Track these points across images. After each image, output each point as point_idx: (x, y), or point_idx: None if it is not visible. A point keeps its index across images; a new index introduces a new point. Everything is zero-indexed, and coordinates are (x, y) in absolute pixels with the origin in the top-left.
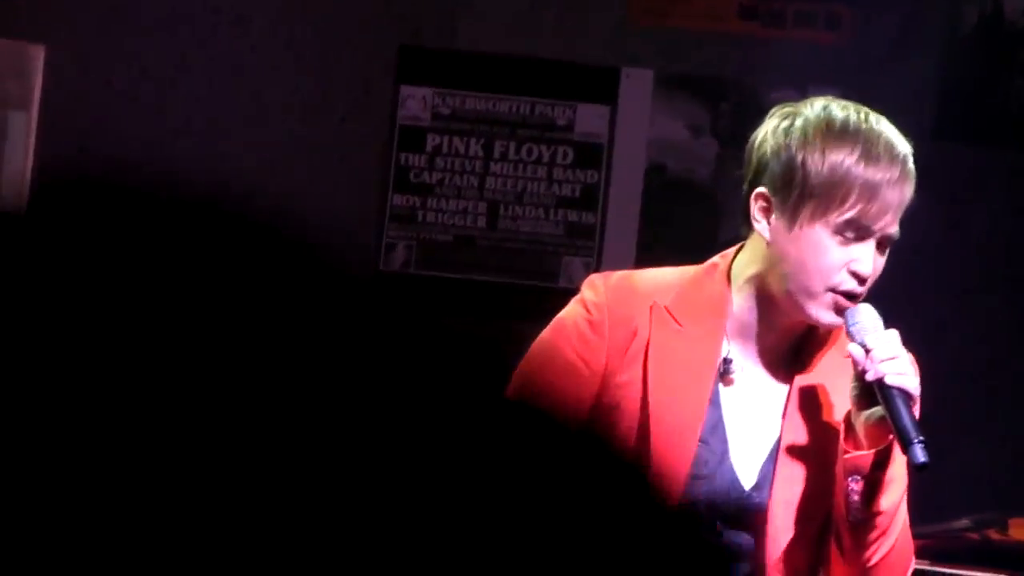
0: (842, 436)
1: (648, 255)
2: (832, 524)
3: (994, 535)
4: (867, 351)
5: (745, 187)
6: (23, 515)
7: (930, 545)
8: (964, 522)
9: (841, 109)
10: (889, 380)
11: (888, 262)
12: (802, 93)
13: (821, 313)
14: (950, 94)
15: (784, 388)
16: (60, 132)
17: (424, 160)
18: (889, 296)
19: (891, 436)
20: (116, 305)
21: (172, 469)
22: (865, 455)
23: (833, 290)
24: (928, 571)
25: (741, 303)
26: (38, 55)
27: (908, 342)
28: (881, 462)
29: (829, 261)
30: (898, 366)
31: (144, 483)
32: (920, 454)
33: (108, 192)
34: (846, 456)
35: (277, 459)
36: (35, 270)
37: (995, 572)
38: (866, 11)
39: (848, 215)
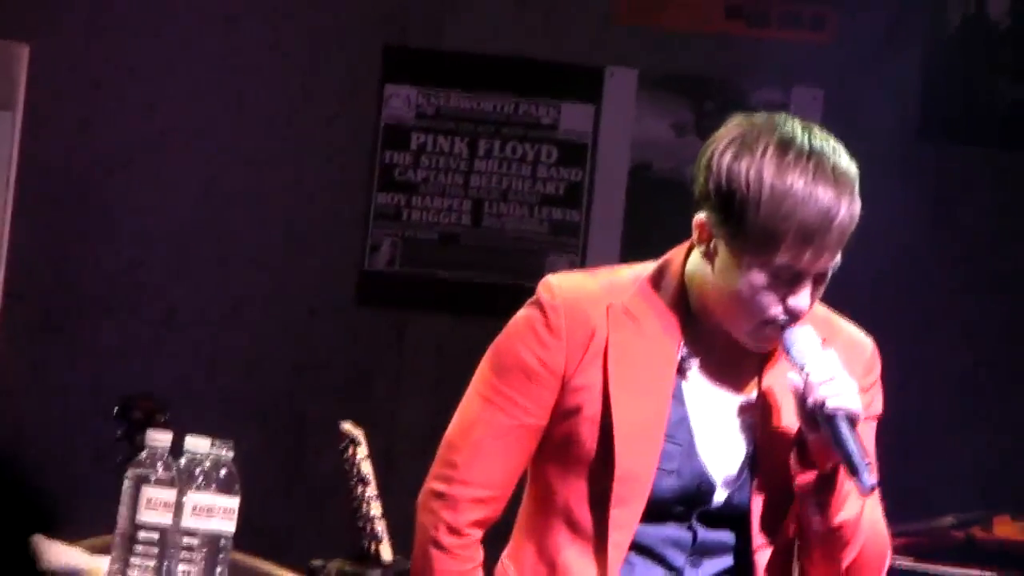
0: (793, 456)
1: (632, 253)
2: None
3: (978, 533)
4: (806, 375)
5: (695, 195)
6: None
7: (915, 543)
8: (949, 520)
9: (786, 137)
10: (830, 403)
11: (874, 261)
12: (787, 93)
13: (754, 341)
14: (934, 94)
15: (748, 382)
16: (45, 132)
17: (409, 158)
18: (875, 295)
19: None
20: None
21: None
22: (811, 477)
23: (766, 323)
24: (912, 569)
25: (695, 301)
26: (23, 54)
27: (893, 340)
28: (829, 482)
29: (764, 300)
30: (835, 388)
31: None
32: (868, 479)
33: (92, 201)
34: (796, 480)
35: None
36: None
37: (979, 570)
38: (851, 11)
39: (782, 261)
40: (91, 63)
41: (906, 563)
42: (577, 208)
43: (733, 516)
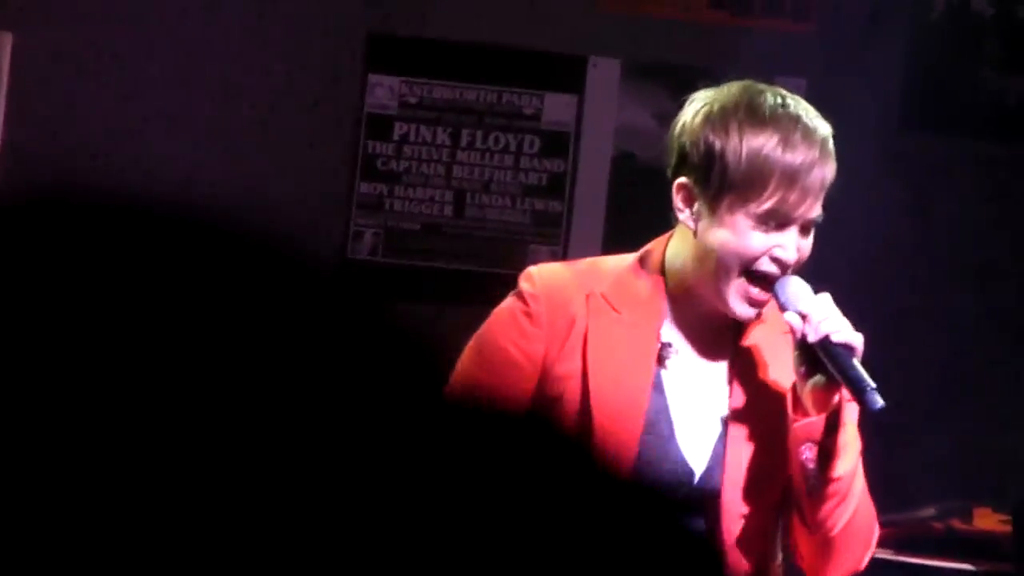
0: (790, 407)
1: (615, 243)
2: (792, 497)
3: (958, 524)
4: (803, 317)
5: (669, 174)
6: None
7: (894, 534)
8: (929, 511)
9: (758, 94)
10: (834, 337)
11: (855, 251)
12: (769, 82)
13: (736, 304)
14: (917, 83)
15: (723, 369)
16: (29, 119)
17: (391, 148)
18: (856, 285)
19: (838, 400)
20: (82, 297)
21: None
22: (816, 421)
23: (751, 272)
24: (892, 560)
25: (675, 289)
26: (6, 42)
27: (874, 331)
28: (832, 427)
29: (751, 246)
30: (835, 323)
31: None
32: (876, 400)
33: (75, 188)
34: (796, 425)
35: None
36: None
37: (959, 562)
38: (833, 1)
39: (768, 204)
40: (74, 51)
41: (886, 555)
42: (560, 199)
43: (705, 499)
